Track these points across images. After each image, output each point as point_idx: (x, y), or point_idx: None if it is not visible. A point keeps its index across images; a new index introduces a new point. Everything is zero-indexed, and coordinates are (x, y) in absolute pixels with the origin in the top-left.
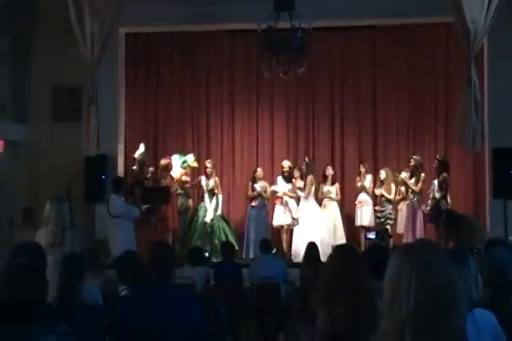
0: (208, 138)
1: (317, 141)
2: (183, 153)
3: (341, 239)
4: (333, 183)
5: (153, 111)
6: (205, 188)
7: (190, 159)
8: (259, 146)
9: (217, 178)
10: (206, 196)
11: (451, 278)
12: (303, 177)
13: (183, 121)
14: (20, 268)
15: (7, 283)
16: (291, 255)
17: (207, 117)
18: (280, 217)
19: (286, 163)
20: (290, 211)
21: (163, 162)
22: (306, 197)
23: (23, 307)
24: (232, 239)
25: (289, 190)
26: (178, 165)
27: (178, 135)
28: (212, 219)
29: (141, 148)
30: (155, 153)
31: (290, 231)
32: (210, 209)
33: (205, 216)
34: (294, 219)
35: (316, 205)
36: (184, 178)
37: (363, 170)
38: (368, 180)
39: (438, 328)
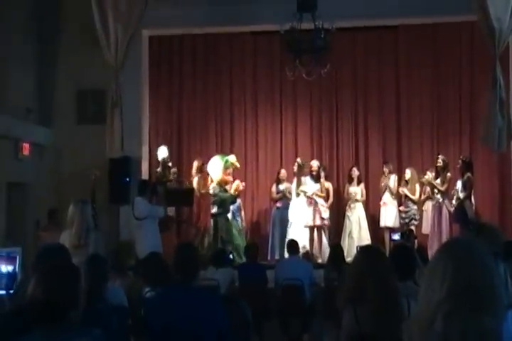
0: (232, 139)
1: (341, 141)
2: (224, 153)
3: (366, 240)
4: (358, 184)
5: (177, 112)
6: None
7: (233, 159)
8: (282, 147)
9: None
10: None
11: (488, 272)
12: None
13: (206, 123)
14: (55, 269)
15: (41, 283)
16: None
17: (230, 118)
18: (310, 218)
19: (316, 163)
20: (319, 211)
21: (196, 164)
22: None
23: (57, 309)
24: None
25: (317, 190)
26: (220, 166)
27: (201, 136)
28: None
29: (164, 150)
30: (179, 155)
31: (319, 232)
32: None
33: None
34: (323, 219)
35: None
36: (227, 178)
37: (386, 170)
38: (392, 180)
39: (470, 319)
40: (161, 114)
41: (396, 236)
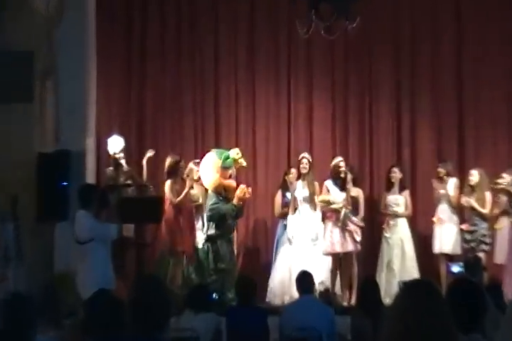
0: (217, 128)
1: (376, 131)
2: (222, 148)
3: (413, 272)
4: (401, 191)
5: (138, 89)
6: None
7: (236, 153)
8: (291, 140)
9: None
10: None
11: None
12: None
13: (180, 104)
14: None
15: None
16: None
17: (215, 98)
18: (336, 241)
19: (342, 163)
20: (351, 231)
21: (169, 161)
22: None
23: None
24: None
25: (344, 200)
26: (215, 166)
27: (173, 124)
28: (203, 244)
29: (117, 141)
30: (141, 149)
31: (347, 261)
32: (202, 229)
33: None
34: (356, 242)
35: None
36: (228, 182)
37: (443, 171)
38: (451, 186)
39: None
40: (114, 90)
41: (456, 268)
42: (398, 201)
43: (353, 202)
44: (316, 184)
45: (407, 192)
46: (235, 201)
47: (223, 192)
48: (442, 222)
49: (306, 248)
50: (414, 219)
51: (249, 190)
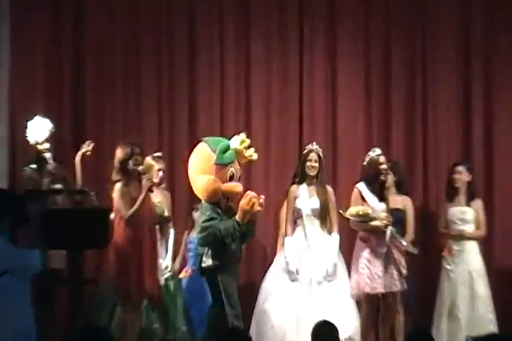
0: (192, 106)
1: (434, 116)
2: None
3: (486, 321)
4: (470, 200)
5: (73, 57)
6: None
7: (239, 142)
8: (303, 127)
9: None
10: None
11: None
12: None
13: (137, 78)
14: None
15: None
16: None
17: (189, 68)
18: (377, 276)
19: (383, 158)
20: (395, 262)
21: (121, 155)
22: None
23: None
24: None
25: (384, 215)
26: (207, 162)
27: (128, 105)
28: (166, 280)
29: (42, 125)
30: (77, 141)
31: (389, 305)
32: (165, 258)
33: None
34: (402, 277)
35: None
36: (230, 187)
37: None
38: None
39: None
40: (37, 58)
41: None
42: (466, 216)
43: (397, 217)
44: (330, 190)
45: (478, 203)
46: (237, 216)
47: (222, 202)
48: None
49: (318, 286)
50: (489, 243)
51: (262, 199)
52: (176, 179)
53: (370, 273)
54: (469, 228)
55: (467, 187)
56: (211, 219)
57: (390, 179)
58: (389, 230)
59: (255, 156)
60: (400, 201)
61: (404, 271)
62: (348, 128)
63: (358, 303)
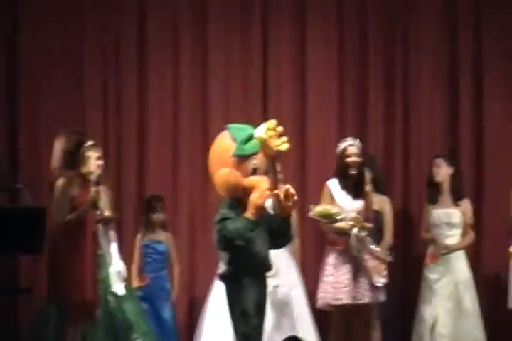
0: (140, 85)
1: (415, 102)
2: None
3: (475, 338)
4: (457, 200)
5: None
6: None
7: (264, 130)
8: (268, 109)
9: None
10: (100, 233)
11: None
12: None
13: (78, 47)
14: None
15: None
16: None
17: (137, 46)
18: (343, 285)
19: (354, 148)
20: (367, 270)
21: (61, 145)
22: None
23: None
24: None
25: (358, 213)
26: (222, 154)
27: (69, 81)
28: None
29: None
30: (7, 127)
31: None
32: (112, 267)
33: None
34: (377, 288)
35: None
36: (252, 182)
37: None
38: None
39: None
40: None
41: None
42: (452, 219)
43: (374, 219)
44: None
45: (466, 204)
46: (248, 212)
47: (246, 199)
48: None
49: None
50: (478, 251)
51: (291, 189)
52: (123, 174)
53: (335, 281)
54: (456, 233)
55: (451, 184)
56: (224, 218)
57: (368, 176)
58: (354, 230)
59: (284, 147)
60: (377, 201)
61: (379, 280)
62: (319, 119)
63: (339, 319)
